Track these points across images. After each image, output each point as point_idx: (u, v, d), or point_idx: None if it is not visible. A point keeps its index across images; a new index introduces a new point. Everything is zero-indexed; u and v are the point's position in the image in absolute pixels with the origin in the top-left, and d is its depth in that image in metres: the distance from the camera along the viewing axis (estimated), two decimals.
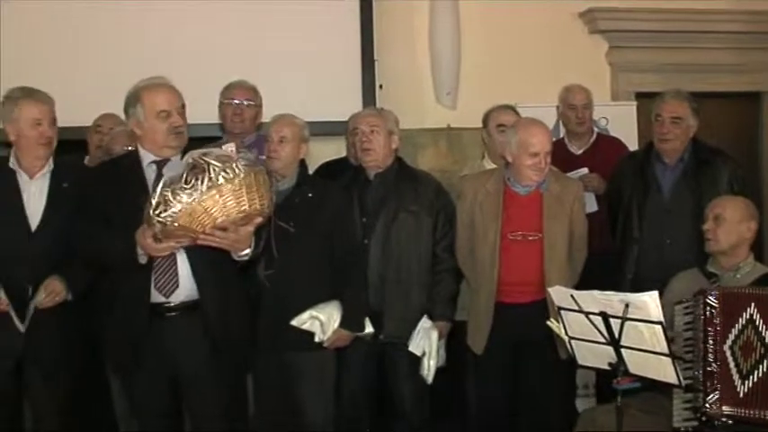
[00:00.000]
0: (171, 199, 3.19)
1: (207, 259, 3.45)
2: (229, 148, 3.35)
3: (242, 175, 3.20)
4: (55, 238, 3.70)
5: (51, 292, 3.69)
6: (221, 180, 3.18)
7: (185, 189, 3.18)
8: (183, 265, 3.50)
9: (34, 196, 3.76)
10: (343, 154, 5.17)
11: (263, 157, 4.10)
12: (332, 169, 4.89)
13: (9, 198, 3.73)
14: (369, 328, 4.11)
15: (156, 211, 3.21)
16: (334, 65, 5.88)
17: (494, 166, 4.62)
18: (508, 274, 4.15)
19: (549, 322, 3.55)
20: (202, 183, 3.17)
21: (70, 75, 5.55)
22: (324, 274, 4.03)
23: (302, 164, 4.17)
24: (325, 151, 5.25)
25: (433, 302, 4.25)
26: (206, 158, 3.22)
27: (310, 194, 4.05)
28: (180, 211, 3.18)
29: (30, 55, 5.61)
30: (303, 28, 5.83)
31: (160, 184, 3.24)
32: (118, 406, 4.35)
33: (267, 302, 3.99)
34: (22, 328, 3.64)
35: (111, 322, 3.61)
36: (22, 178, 3.77)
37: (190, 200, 3.17)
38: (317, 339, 3.97)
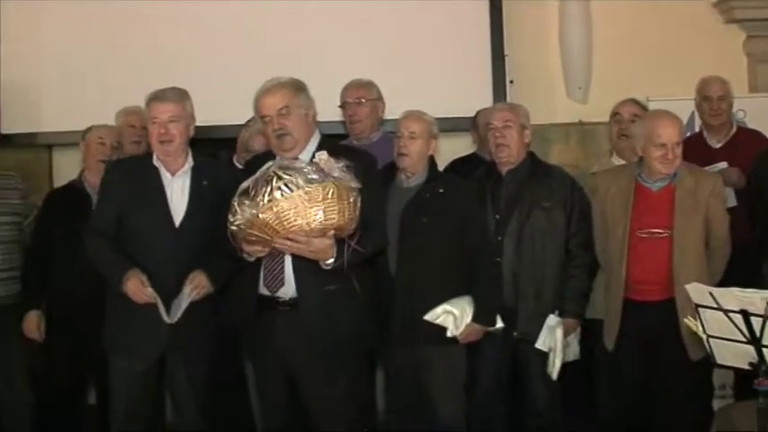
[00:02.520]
0: (237, 209, 3.31)
1: (309, 260, 3.50)
2: (321, 156, 3.40)
3: (304, 190, 3.25)
4: (197, 234, 3.79)
5: (198, 285, 3.78)
6: (280, 194, 3.25)
7: (249, 200, 3.29)
8: (288, 263, 3.58)
9: (177, 193, 3.86)
10: (474, 150, 5.18)
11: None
12: (462, 166, 4.89)
13: (154, 195, 3.84)
14: (499, 323, 4.11)
15: (230, 219, 3.35)
16: (463, 61, 5.86)
17: (622, 161, 4.56)
18: (636, 271, 4.09)
19: (686, 320, 3.46)
20: (263, 196, 3.26)
21: (226, 74, 5.72)
22: (455, 269, 4.03)
23: (431, 160, 4.16)
24: (454, 147, 5.25)
25: (563, 298, 4.22)
26: (273, 171, 3.30)
27: (441, 190, 4.04)
28: (245, 221, 3.30)
29: (188, 55, 5.82)
30: (433, 24, 5.85)
31: (237, 192, 3.36)
32: (253, 398, 4.45)
33: (399, 297, 4.01)
34: (168, 319, 3.74)
35: (236, 311, 3.78)
36: (165, 176, 3.88)
37: (251, 211, 3.28)
38: (449, 334, 3.97)
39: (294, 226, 3.27)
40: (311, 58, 5.50)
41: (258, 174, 3.36)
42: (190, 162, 3.91)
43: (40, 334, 4.41)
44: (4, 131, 5.39)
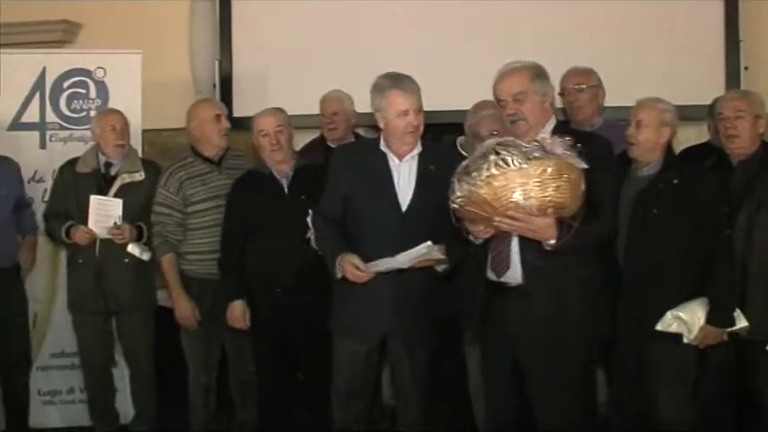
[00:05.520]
0: (457, 186, 3.30)
1: (536, 245, 3.44)
2: (544, 135, 3.34)
3: (521, 166, 3.19)
4: (424, 218, 3.81)
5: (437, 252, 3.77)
6: (496, 169, 3.20)
7: (467, 177, 3.26)
8: (515, 248, 3.54)
9: (404, 178, 3.89)
10: (705, 139, 4.99)
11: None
12: (694, 155, 4.69)
13: (382, 179, 3.89)
14: (742, 322, 3.91)
15: (450, 197, 3.34)
16: (696, 47, 5.68)
17: None
18: None
19: None
20: (480, 172, 3.22)
21: (447, 59, 5.79)
22: (687, 264, 3.86)
23: (668, 149, 4.01)
24: (686, 136, 5.05)
25: None
26: (492, 147, 3.26)
27: (676, 181, 3.89)
28: (464, 198, 3.28)
29: (411, 40, 5.94)
30: (667, 9, 5.68)
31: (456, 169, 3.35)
32: (472, 380, 4.45)
33: (626, 290, 3.90)
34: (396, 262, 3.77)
35: (466, 296, 3.77)
36: (393, 160, 3.91)
37: (469, 187, 3.25)
38: (686, 340, 3.82)
39: (511, 202, 3.23)
40: (541, 43, 5.47)
41: (477, 151, 3.35)
42: (418, 148, 3.93)
43: (246, 322, 4.49)
44: (236, 115, 5.63)
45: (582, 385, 3.71)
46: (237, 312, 4.46)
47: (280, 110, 4.57)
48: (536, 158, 3.23)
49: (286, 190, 4.44)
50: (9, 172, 5.07)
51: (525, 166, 3.20)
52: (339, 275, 3.85)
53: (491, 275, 3.62)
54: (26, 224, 5.15)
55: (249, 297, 4.47)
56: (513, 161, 3.21)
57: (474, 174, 3.25)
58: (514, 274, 3.56)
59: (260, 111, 4.59)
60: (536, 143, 3.31)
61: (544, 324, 3.53)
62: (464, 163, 3.37)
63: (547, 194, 3.24)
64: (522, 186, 3.22)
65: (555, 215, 3.33)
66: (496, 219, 3.30)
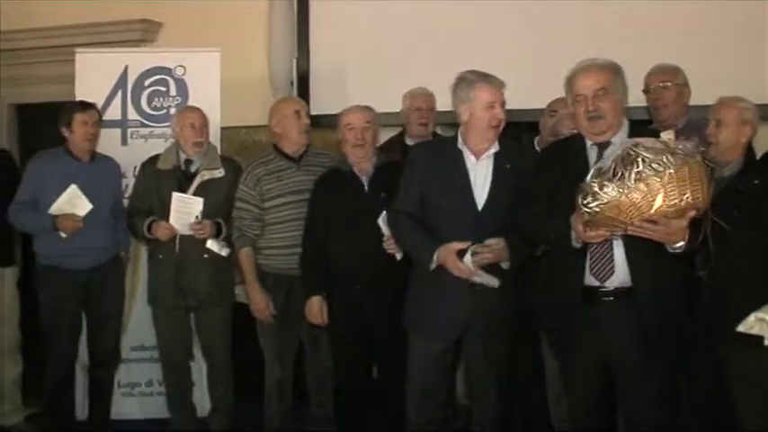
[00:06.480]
0: (598, 191, 3.21)
1: (643, 247, 3.39)
2: (668, 135, 3.27)
3: (673, 168, 3.12)
4: (499, 217, 3.81)
5: (491, 250, 3.78)
6: (650, 173, 3.13)
7: (613, 181, 3.18)
8: (618, 251, 3.49)
9: (480, 177, 3.89)
10: None
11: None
12: None
13: (458, 178, 3.89)
14: None
15: (585, 201, 3.25)
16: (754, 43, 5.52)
17: None
18: None
19: None
20: (630, 175, 3.15)
21: (530, 59, 5.74)
22: None
23: (748, 149, 3.92)
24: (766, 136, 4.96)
25: None
26: (636, 150, 3.18)
27: (756, 181, 3.79)
28: (607, 203, 3.19)
29: (488, 39, 5.92)
30: (749, 5, 5.51)
31: (589, 174, 3.27)
32: (551, 385, 4.44)
33: (706, 292, 3.81)
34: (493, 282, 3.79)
35: (548, 301, 3.73)
36: (469, 159, 3.91)
37: (616, 192, 3.17)
38: (766, 343, 3.72)
39: (664, 204, 3.17)
40: (621, 42, 5.38)
41: (614, 155, 3.26)
42: (495, 147, 3.92)
43: (323, 319, 4.50)
44: (313, 113, 5.67)
45: (673, 386, 3.69)
46: (315, 308, 4.48)
47: (369, 108, 4.60)
48: (681, 160, 3.17)
49: (366, 188, 4.45)
50: (112, 172, 5.22)
51: (677, 168, 3.15)
52: (433, 267, 3.85)
53: (591, 281, 3.54)
54: (117, 226, 5.22)
55: (328, 293, 4.50)
56: (664, 164, 3.15)
57: (624, 178, 3.17)
58: (620, 278, 3.51)
59: (346, 108, 4.62)
60: (662, 144, 3.26)
61: (648, 327, 3.49)
62: (597, 167, 3.30)
63: (695, 197, 3.20)
64: (675, 189, 3.16)
65: (693, 217, 3.28)
66: (636, 224, 3.23)
